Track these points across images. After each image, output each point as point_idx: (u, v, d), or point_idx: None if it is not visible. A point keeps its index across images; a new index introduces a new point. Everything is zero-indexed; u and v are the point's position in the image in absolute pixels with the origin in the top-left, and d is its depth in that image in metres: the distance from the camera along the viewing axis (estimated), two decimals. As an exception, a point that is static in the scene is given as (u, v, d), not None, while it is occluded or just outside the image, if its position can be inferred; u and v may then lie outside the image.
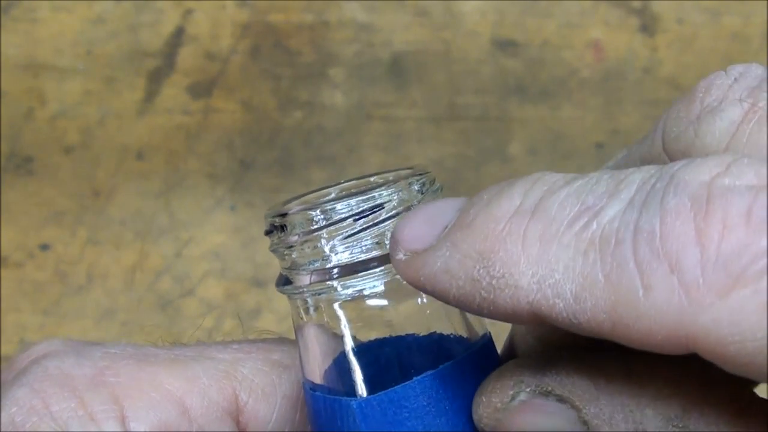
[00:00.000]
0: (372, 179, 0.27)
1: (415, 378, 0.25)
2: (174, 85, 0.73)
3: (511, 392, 0.24)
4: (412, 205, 0.25)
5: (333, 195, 0.27)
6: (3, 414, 0.26)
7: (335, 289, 0.25)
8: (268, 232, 0.26)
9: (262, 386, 0.28)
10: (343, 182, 0.28)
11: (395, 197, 0.25)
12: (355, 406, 0.25)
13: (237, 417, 0.28)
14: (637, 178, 0.20)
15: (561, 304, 0.20)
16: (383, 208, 0.25)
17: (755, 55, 0.73)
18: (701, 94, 0.23)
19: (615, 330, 0.20)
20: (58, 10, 0.76)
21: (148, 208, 0.70)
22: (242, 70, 0.73)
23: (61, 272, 0.68)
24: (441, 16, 0.74)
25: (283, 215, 0.26)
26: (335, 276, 0.25)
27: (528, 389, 0.23)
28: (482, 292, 0.21)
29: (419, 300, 0.26)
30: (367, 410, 0.24)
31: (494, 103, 0.72)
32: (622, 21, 0.74)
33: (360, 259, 0.25)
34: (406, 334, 0.26)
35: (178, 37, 0.75)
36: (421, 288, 0.23)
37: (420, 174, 0.26)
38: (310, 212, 0.25)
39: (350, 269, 0.25)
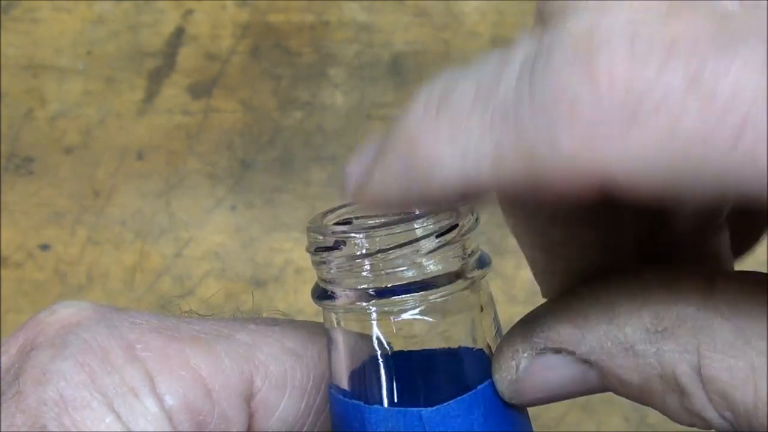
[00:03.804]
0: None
1: (479, 386, 0.26)
2: (174, 85, 0.73)
3: (513, 363, 0.25)
4: (452, 239, 0.26)
5: (377, 221, 0.28)
6: (50, 388, 0.25)
7: (371, 311, 0.26)
8: (311, 250, 0.27)
9: (276, 374, 0.28)
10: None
11: (435, 229, 0.26)
12: (424, 416, 0.25)
13: (249, 402, 0.28)
14: (521, 48, 0.21)
15: (485, 169, 0.21)
16: (421, 239, 0.26)
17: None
18: None
19: (536, 189, 0.20)
20: (58, 10, 0.76)
21: (148, 208, 0.70)
22: (242, 70, 0.73)
23: (61, 272, 0.68)
24: (441, 16, 0.74)
25: (327, 234, 0.26)
26: (372, 298, 0.26)
27: (525, 354, 0.25)
28: (417, 186, 0.22)
29: (452, 319, 0.27)
30: (436, 420, 0.25)
31: (494, 103, 0.72)
32: (622, 21, 0.74)
33: (399, 284, 0.26)
34: (440, 348, 0.27)
35: (178, 37, 0.75)
36: (377, 208, 0.25)
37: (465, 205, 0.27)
38: (355, 236, 0.26)
39: (388, 292, 0.26)
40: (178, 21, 0.75)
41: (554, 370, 0.25)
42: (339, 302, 0.26)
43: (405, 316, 0.26)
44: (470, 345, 0.27)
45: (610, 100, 0.19)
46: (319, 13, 0.75)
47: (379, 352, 0.26)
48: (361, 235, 0.26)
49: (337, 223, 0.27)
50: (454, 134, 0.21)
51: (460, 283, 0.26)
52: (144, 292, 0.67)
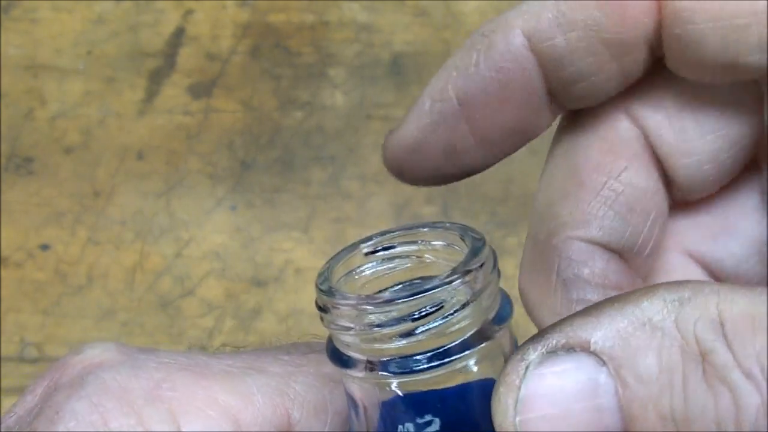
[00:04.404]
0: (423, 230, 0.26)
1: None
2: (174, 85, 0.73)
3: (523, 364, 0.23)
4: (474, 299, 0.24)
5: (376, 266, 0.26)
6: (61, 427, 0.25)
7: (390, 382, 0.24)
8: (320, 308, 0.25)
9: (314, 403, 0.28)
10: (388, 233, 0.26)
11: (455, 293, 0.24)
12: None
13: None
14: None
15: (547, 9, 0.22)
16: (443, 307, 0.23)
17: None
18: None
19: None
20: (58, 10, 0.76)
21: (148, 208, 0.70)
22: (242, 70, 0.73)
23: (61, 272, 0.68)
24: (441, 16, 0.74)
25: (335, 301, 0.24)
26: (395, 372, 0.24)
27: (536, 354, 0.23)
28: (477, 46, 0.23)
29: (478, 369, 0.25)
30: None
31: (494, 103, 0.72)
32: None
33: (422, 352, 0.24)
34: (460, 384, 0.25)
35: (178, 37, 0.75)
36: (419, 132, 0.25)
37: (479, 253, 0.25)
38: (366, 308, 0.24)
39: (412, 363, 0.24)
40: (178, 21, 0.75)
41: (565, 376, 0.23)
42: (359, 374, 0.24)
43: (424, 380, 0.24)
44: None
45: None
46: (319, 13, 0.75)
47: (399, 397, 0.24)
48: (372, 307, 0.23)
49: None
50: None
51: (485, 345, 0.24)
52: (144, 292, 0.67)
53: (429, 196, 0.68)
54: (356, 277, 0.26)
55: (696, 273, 0.29)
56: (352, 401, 0.26)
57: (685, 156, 0.27)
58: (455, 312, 0.23)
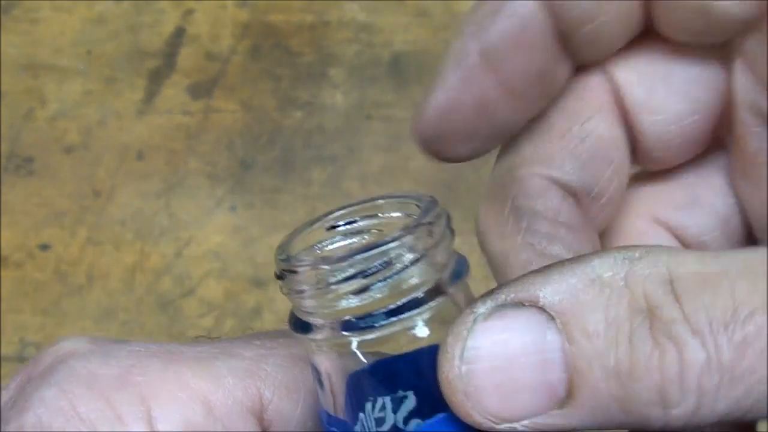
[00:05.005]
0: (380, 202, 0.27)
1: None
2: (174, 85, 0.73)
3: (470, 318, 0.23)
4: (424, 254, 0.24)
5: (339, 241, 0.26)
6: (30, 414, 0.25)
7: (350, 341, 0.25)
8: (278, 277, 0.25)
9: (286, 383, 0.28)
10: (348, 207, 0.27)
11: (406, 249, 0.24)
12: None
13: (261, 415, 0.28)
14: None
15: None
16: (393, 263, 0.24)
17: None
18: None
19: None
20: (58, 10, 0.76)
21: (148, 208, 0.70)
22: (242, 70, 0.73)
23: (61, 272, 0.68)
24: (441, 16, 0.74)
25: (291, 265, 0.25)
26: (354, 328, 0.24)
27: (483, 309, 0.23)
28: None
29: (439, 333, 0.25)
30: None
31: (494, 103, 0.72)
32: (622, 21, 0.74)
33: (380, 310, 0.24)
34: (420, 348, 0.25)
35: (178, 37, 0.75)
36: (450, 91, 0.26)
37: (430, 212, 0.25)
38: (321, 267, 0.24)
39: (370, 320, 0.24)
40: (178, 21, 0.75)
41: (512, 329, 0.23)
42: (319, 336, 0.25)
43: (384, 338, 0.24)
44: None
45: None
46: (319, 13, 0.75)
47: (363, 370, 0.25)
48: (327, 266, 0.24)
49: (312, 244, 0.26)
50: None
51: (441, 301, 0.25)
52: (144, 292, 0.67)
53: (429, 196, 0.68)
54: (319, 252, 0.27)
55: (663, 238, 0.29)
56: (317, 374, 0.26)
57: (651, 113, 0.28)
58: (406, 267, 0.24)
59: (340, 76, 0.73)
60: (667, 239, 0.29)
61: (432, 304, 0.24)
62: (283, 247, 0.26)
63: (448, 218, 0.26)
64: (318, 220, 0.27)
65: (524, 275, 0.23)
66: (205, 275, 0.68)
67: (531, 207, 0.28)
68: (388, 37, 0.74)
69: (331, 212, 0.27)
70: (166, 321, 0.66)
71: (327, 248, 0.27)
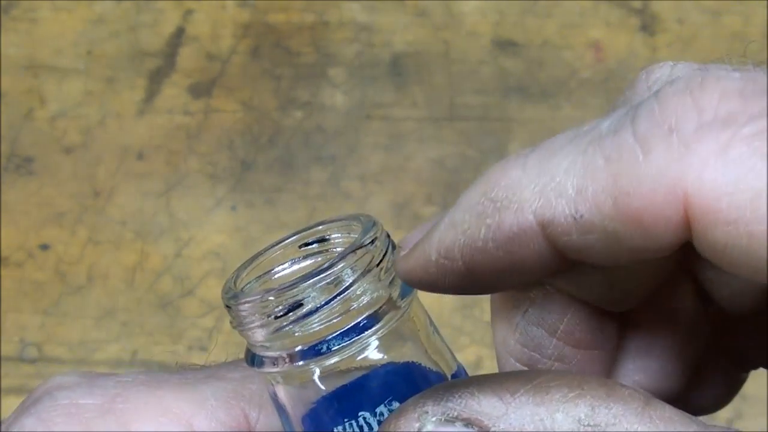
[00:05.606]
0: (320, 227, 0.27)
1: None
2: (174, 85, 0.73)
3: (417, 425, 0.22)
4: (368, 272, 0.25)
5: (286, 268, 0.27)
6: None
7: (312, 369, 0.25)
8: (230, 314, 0.25)
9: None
10: (289, 237, 0.27)
11: (350, 270, 0.24)
12: None
13: None
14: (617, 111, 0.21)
15: (563, 203, 0.20)
16: (340, 285, 0.24)
17: (755, 55, 0.73)
18: (644, 76, 0.25)
19: (616, 206, 0.20)
20: (58, 10, 0.76)
21: (148, 208, 0.70)
22: (242, 70, 0.73)
23: (61, 272, 0.68)
24: (441, 16, 0.74)
25: (238, 301, 0.25)
26: (310, 356, 0.24)
27: (434, 418, 0.22)
28: (487, 220, 0.21)
29: (396, 351, 0.26)
30: None
31: (494, 103, 0.72)
32: (622, 21, 0.74)
33: (334, 333, 0.24)
34: (381, 366, 0.25)
35: (178, 37, 0.75)
36: (426, 275, 0.23)
37: (369, 231, 0.25)
38: (268, 298, 0.24)
39: (325, 345, 0.24)
40: (178, 21, 0.75)
41: None
42: (276, 369, 0.25)
43: (342, 363, 0.24)
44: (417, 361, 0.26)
45: (711, 123, 0.19)
46: (319, 13, 0.75)
47: (326, 394, 0.25)
48: (272, 298, 0.24)
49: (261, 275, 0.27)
50: (545, 162, 0.21)
51: (393, 318, 0.24)
52: (144, 292, 0.67)
53: (429, 196, 0.68)
54: (273, 278, 0.27)
55: None
56: (280, 407, 0.26)
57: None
58: (352, 286, 0.24)
59: (340, 76, 0.73)
60: None
61: (384, 321, 0.25)
62: (228, 284, 0.26)
63: (389, 238, 0.26)
64: (262, 253, 0.27)
65: (486, 386, 0.22)
66: (205, 275, 0.68)
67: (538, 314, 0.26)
68: (388, 37, 0.74)
69: (279, 241, 0.27)
70: (166, 321, 0.66)
71: (275, 277, 0.27)
